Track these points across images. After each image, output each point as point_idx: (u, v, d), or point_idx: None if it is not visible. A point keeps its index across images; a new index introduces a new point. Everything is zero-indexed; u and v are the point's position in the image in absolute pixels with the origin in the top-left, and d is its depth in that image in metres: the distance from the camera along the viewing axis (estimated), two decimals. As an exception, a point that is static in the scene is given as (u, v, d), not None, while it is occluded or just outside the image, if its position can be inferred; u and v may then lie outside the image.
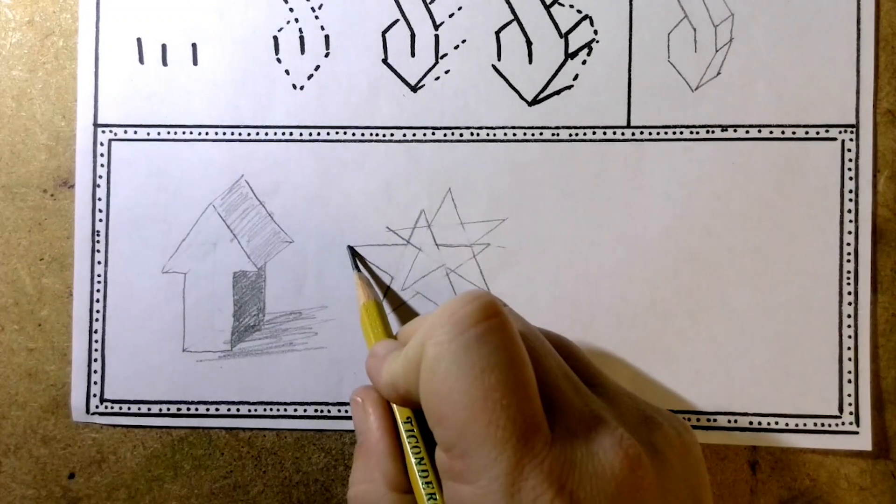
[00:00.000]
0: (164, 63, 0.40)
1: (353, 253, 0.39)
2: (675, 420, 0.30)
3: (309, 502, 0.39)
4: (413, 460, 0.30)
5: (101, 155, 0.40)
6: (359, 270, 0.38)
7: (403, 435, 0.31)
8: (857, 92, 0.38)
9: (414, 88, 0.40)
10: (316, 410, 0.39)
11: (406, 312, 0.39)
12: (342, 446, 0.39)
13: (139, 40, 0.40)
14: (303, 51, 0.40)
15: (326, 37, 0.40)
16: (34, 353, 0.40)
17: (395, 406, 0.32)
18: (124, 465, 0.40)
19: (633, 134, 0.39)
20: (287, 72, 0.40)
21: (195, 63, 0.40)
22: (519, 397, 0.25)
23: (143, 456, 0.40)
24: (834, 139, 0.38)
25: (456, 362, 0.25)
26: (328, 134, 0.40)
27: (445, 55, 0.40)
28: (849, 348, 0.38)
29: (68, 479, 0.40)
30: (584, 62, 0.39)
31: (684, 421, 0.30)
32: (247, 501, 0.39)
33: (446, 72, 0.40)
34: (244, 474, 0.39)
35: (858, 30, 0.39)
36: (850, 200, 0.38)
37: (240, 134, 0.40)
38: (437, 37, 0.40)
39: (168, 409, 0.39)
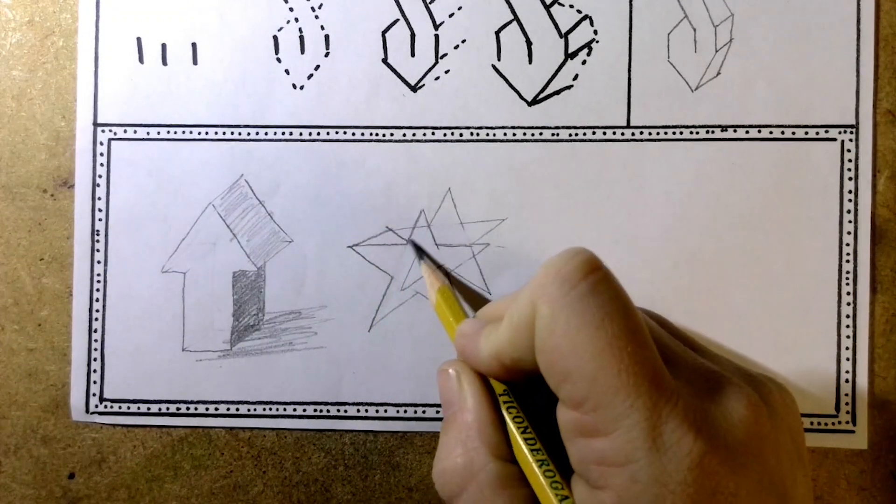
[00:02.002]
0: (164, 62, 0.40)
1: (416, 245, 0.39)
2: (774, 380, 0.30)
3: (309, 502, 0.39)
4: (517, 430, 0.29)
5: (101, 154, 0.40)
6: (423, 259, 0.38)
7: (503, 406, 0.30)
8: (857, 92, 0.38)
9: (414, 88, 0.40)
10: (315, 410, 0.39)
11: (408, 308, 0.39)
12: (342, 446, 0.39)
13: (139, 40, 0.40)
14: (303, 50, 0.40)
15: (326, 36, 0.40)
16: (34, 353, 0.40)
17: (490, 380, 0.31)
18: (124, 465, 0.40)
19: (632, 134, 0.39)
20: (287, 71, 0.40)
21: (195, 63, 0.40)
22: (642, 344, 0.25)
23: (143, 456, 0.40)
24: (834, 139, 0.38)
25: (575, 315, 0.25)
26: (328, 134, 0.40)
27: (445, 55, 0.40)
28: (847, 348, 0.38)
29: (68, 479, 0.40)
30: (584, 62, 0.39)
31: (781, 382, 0.30)
32: (247, 501, 0.39)
33: (446, 72, 0.40)
34: (244, 474, 0.40)
35: (858, 30, 0.39)
36: (850, 201, 0.38)
37: (239, 133, 0.40)
38: (437, 37, 0.40)
39: (167, 409, 0.39)
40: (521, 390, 0.31)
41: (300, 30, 0.40)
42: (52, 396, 0.40)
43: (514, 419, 0.30)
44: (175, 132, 0.40)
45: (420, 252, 0.39)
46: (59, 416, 0.40)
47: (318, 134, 0.40)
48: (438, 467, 0.30)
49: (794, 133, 0.39)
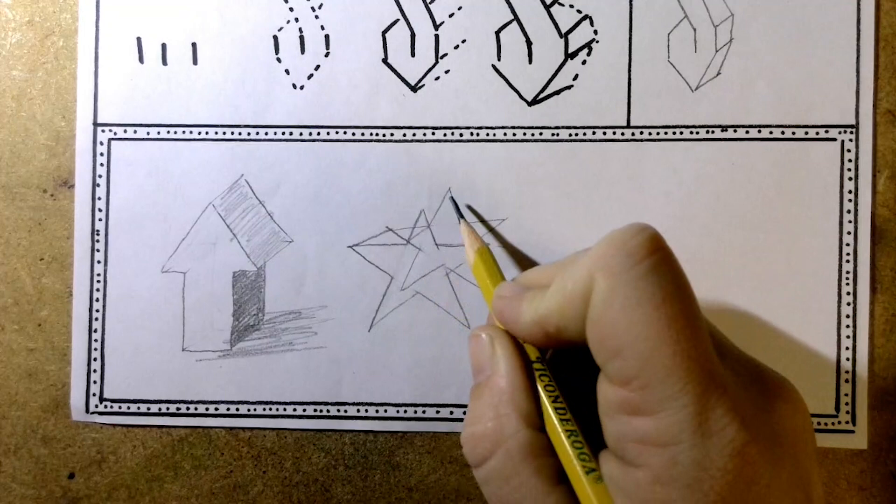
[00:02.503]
0: (164, 62, 0.40)
1: (455, 203, 0.39)
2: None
3: (309, 502, 0.39)
4: (548, 398, 0.29)
5: (101, 154, 0.40)
6: (463, 218, 0.38)
7: (536, 374, 0.30)
8: (857, 92, 0.38)
9: (414, 88, 0.40)
10: (315, 410, 0.39)
11: (408, 308, 0.39)
12: (342, 446, 0.39)
13: (139, 40, 0.40)
14: (303, 50, 0.40)
15: (326, 36, 0.40)
16: (34, 353, 0.40)
17: (525, 346, 0.31)
18: (124, 465, 0.40)
19: (633, 134, 0.39)
20: (287, 71, 0.40)
21: (195, 62, 0.40)
22: (698, 329, 0.25)
23: (143, 456, 0.40)
24: (834, 139, 0.38)
25: (636, 292, 0.25)
26: (328, 134, 0.40)
27: (445, 55, 0.40)
28: (847, 348, 0.38)
29: (68, 479, 0.40)
30: (583, 62, 0.39)
31: None
32: (247, 501, 0.39)
33: (446, 72, 0.40)
34: (244, 474, 0.40)
35: (858, 30, 0.39)
36: (850, 201, 0.38)
37: (239, 133, 0.40)
38: (437, 37, 0.40)
39: (167, 409, 0.39)
40: (555, 359, 0.31)
41: (300, 30, 0.40)
42: (52, 396, 0.40)
43: (545, 387, 0.29)
44: (175, 132, 0.40)
45: (459, 210, 0.39)
46: (59, 416, 0.40)
47: (318, 134, 0.40)
48: (467, 431, 0.30)
49: (794, 133, 0.39)
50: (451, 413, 0.39)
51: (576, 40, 0.39)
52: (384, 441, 0.39)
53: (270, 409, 0.39)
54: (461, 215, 0.38)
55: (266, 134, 0.40)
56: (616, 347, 0.25)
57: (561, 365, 0.30)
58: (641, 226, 0.27)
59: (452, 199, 0.39)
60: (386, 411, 0.39)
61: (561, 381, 0.30)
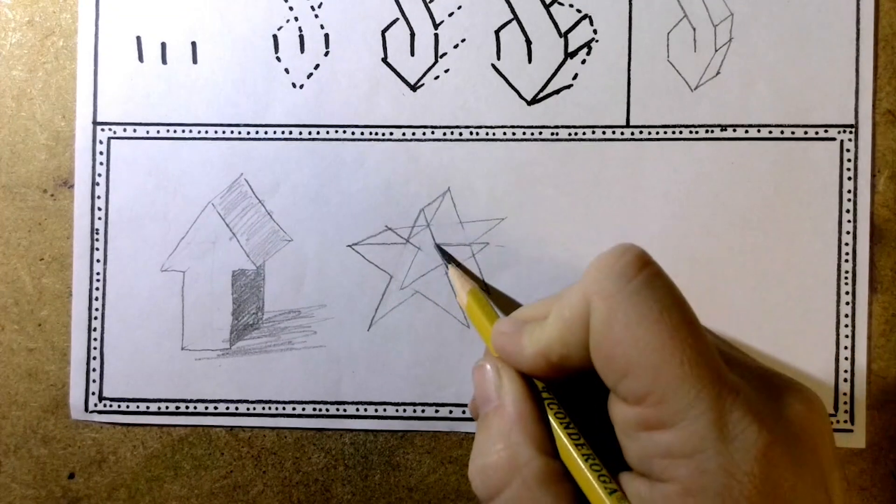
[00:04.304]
0: (164, 61, 0.40)
1: (441, 250, 0.39)
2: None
3: (309, 502, 0.39)
4: (559, 425, 0.29)
5: (101, 153, 0.40)
6: (451, 264, 0.39)
7: (544, 402, 0.29)
8: (857, 92, 0.38)
9: (413, 87, 0.40)
10: (315, 410, 0.39)
11: (408, 308, 0.39)
12: (342, 446, 0.39)
13: (139, 39, 0.40)
14: (302, 49, 0.40)
15: (326, 35, 0.40)
16: (34, 353, 0.40)
17: (528, 377, 0.31)
18: (124, 465, 0.40)
19: (632, 133, 0.39)
20: (287, 70, 0.40)
21: (195, 61, 0.40)
22: (701, 336, 0.25)
23: (143, 456, 0.40)
24: (833, 139, 0.38)
25: (633, 308, 0.25)
26: (328, 133, 0.40)
27: (445, 54, 0.40)
28: (846, 348, 0.38)
29: (68, 479, 0.40)
30: (583, 62, 0.39)
31: None
32: (247, 501, 0.39)
33: (446, 71, 0.40)
34: (244, 474, 0.40)
35: (858, 30, 0.39)
36: (849, 200, 0.38)
37: (239, 133, 0.40)
38: (436, 36, 0.40)
39: (167, 408, 0.39)
40: (558, 389, 0.31)
41: (300, 29, 0.40)
42: (52, 396, 0.40)
43: (555, 414, 0.29)
44: (175, 131, 0.40)
45: (447, 257, 0.39)
46: (59, 415, 0.40)
47: (318, 133, 0.40)
48: (477, 463, 0.29)
49: (793, 133, 0.39)
50: (451, 412, 0.39)
51: (575, 40, 0.39)
52: (384, 441, 0.39)
53: (270, 408, 0.39)
54: (448, 260, 0.39)
55: (266, 133, 0.40)
56: (624, 367, 0.25)
57: (563, 394, 0.31)
58: (626, 246, 0.27)
59: (439, 246, 0.39)
60: (385, 411, 0.39)
61: (568, 409, 0.30)
